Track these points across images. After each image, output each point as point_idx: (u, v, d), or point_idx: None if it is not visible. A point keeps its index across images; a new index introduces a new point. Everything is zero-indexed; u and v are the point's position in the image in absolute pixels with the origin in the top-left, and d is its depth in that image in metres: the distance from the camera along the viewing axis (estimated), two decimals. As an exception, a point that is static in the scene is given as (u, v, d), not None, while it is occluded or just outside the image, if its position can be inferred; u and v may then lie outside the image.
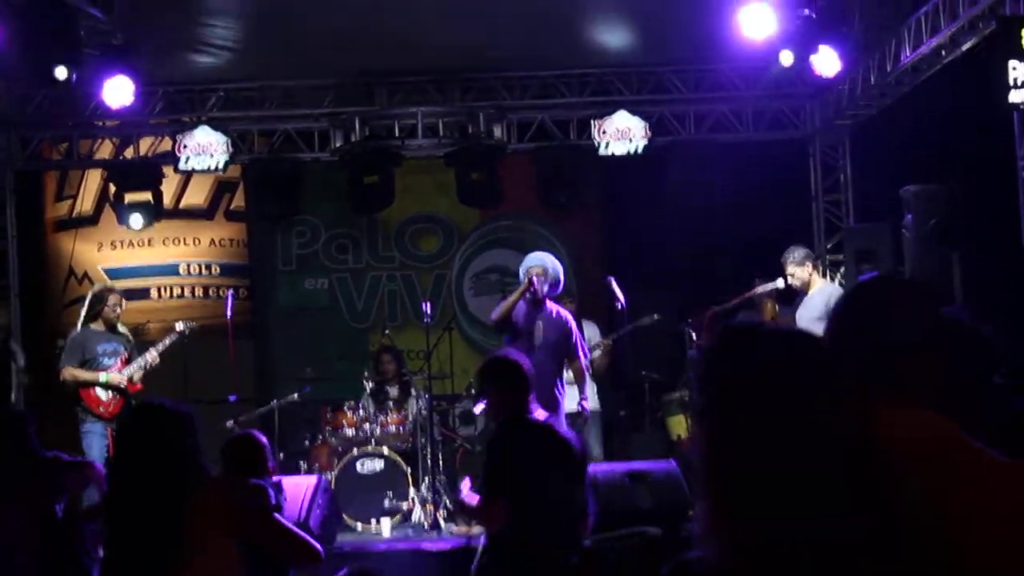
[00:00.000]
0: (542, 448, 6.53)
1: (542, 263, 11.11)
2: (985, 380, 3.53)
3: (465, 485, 6.74)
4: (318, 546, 5.48)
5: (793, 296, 11.62)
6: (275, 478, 6.57)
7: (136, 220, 14.12)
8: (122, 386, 11.55)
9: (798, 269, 11.18)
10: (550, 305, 11.08)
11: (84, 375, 11.57)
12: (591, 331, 13.05)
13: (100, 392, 11.54)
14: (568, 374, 11.46)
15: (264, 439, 6.46)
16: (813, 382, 2.43)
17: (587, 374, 11.48)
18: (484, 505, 6.44)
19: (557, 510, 6.51)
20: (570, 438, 6.69)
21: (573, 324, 11.24)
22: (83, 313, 12.02)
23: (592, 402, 12.47)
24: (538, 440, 6.54)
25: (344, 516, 11.62)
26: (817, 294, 11.15)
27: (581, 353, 11.29)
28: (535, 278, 10.89)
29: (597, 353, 12.90)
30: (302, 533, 5.44)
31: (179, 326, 12.23)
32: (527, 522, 6.26)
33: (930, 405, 2.74)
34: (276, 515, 5.40)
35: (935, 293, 3.14)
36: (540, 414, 6.72)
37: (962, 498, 2.54)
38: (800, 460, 2.34)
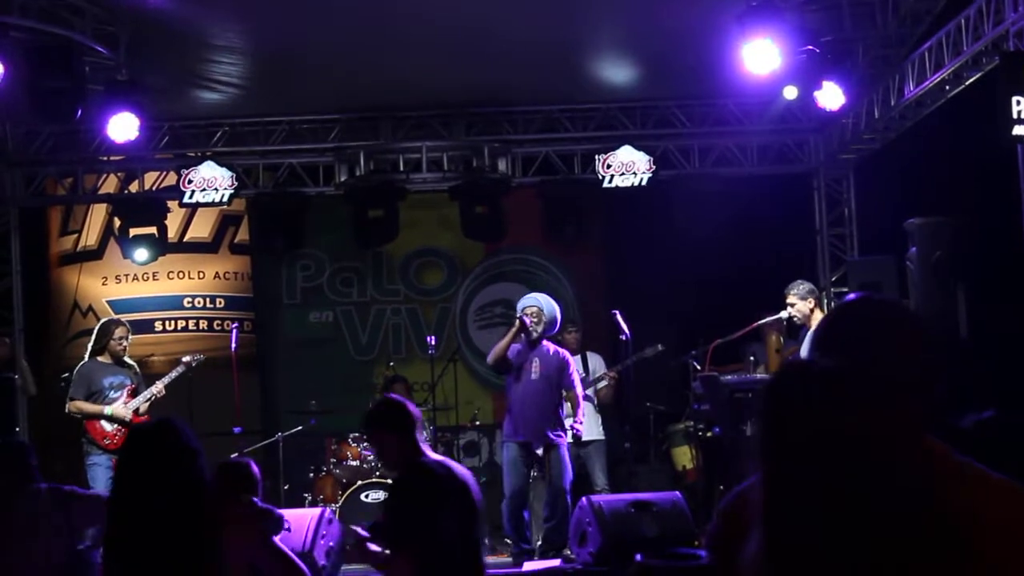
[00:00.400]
0: (444, 494, 6.46)
1: (537, 303, 11.37)
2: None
3: (361, 531, 6.61)
4: (307, 571, 5.46)
5: (797, 329, 11.62)
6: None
7: (141, 254, 14.14)
8: (127, 419, 11.56)
9: (800, 302, 11.16)
10: (546, 344, 11.32)
11: (89, 408, 11.59)
12: (596, 362, 13.12)
13: (105, 424, 11.56)
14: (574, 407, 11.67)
15: (257, 470, 6.43)
16: (881, 418, 2.44)
17: (581, 400, 11.76)
18: (390, 559, 6.33)
19: (459, 555, 6.47)
20: (466, 477, 6.64)
21: (569, 359, 11.62)
22: (90, 346, 12.04)
23: (596, 432, 12.64)
24: (439, 485, 6.47)
25: (348, 547, 11.59)
26: (819, 331, 11.11)
27: (576, 383, 11.61)
28: (526, 319, 11.15)
29: (603, 384, 12.97)
30: (299, 561, 5.42)
31: (185, 359, 12.26)
32: (431, 572, 6.17)
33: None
34: (275, 540, 5.39)
35: (919, 318, 3.07)
36: (431, 454, 6.67)
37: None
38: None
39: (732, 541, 2.74)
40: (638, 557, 4.32)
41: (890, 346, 2.76)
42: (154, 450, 4.95)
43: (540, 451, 11.26)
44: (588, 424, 12.65)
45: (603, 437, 12.84)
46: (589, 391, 12.87)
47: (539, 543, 11.45)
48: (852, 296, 3.03)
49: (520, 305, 11.48)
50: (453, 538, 6.41)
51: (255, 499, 5.75)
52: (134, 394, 11.75)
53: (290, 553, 5.31)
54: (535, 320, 11.27)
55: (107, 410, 11.57)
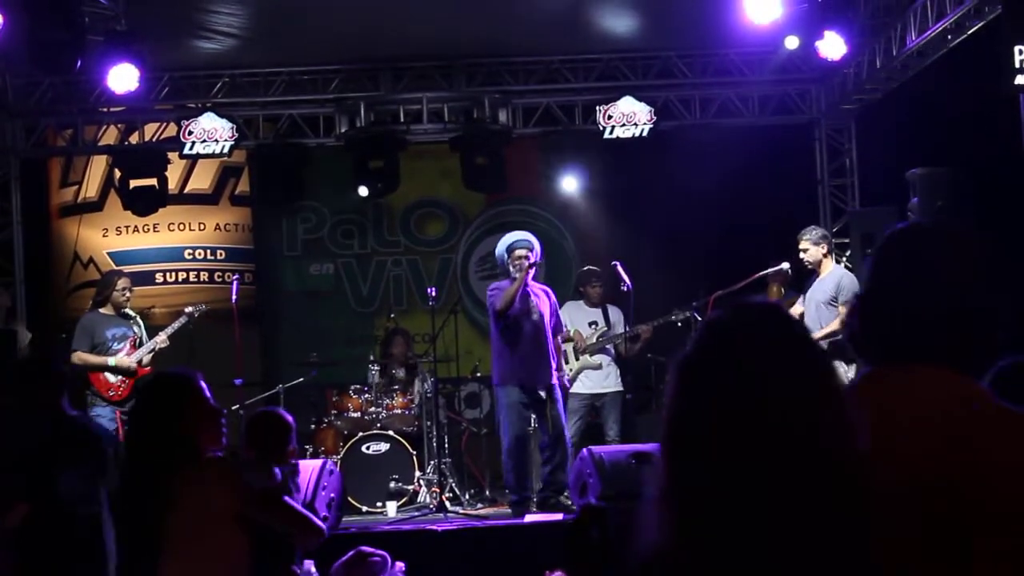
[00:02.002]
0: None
1: (530, 241, 11.30)
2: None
3: None
4: (321, 524, 5.50)
5: (799, 279, 11.63)
6: (293, 460, 6.56)
7: (141, 205, 14.13)
8: (131, 369, 11.59)
9: (813, 247, 11.19)
10: (531, 283, 11.25)
11: (93, 359, 11.61)
12: (616, 316, 13.00)
13: (109, 376, 11.59)
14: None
15: (291, 419, 6.44)
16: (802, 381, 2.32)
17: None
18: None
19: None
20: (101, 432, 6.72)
21: (555, 298, 11.66)
22: (92, 297, 12.05)
23: (615, 384, 12.82)
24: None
25: (350, 498, 11.64)
26: (829, 277, 11.17)
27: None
28: (532, 258, 11.10)
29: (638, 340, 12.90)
30: (305, 511, 5.46)
31: (188, 309, 12.28)
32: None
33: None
34: (280, 495, 5.42)
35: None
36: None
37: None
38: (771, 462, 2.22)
39: None
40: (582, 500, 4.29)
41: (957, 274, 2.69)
42: (146, 418, 5.12)
43: (543, 393, 11.25)
44: (608, 376, 12.72)
45: (621, 388, 12.85)
46: (609, 345, 12.87)
47: (539, 489, 11.47)
48: (902, 225, 2.92)
49: (510, 245, 11.35)
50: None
51: (267, 458, 5.85)
52: (137, 345, 11.77)
53: (299, 507, 5.34)
54: (533, 258, 11.27)
55: (111, 360, 11.60)
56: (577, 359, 12.75)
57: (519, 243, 11.27)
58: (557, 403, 11.21)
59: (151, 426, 5.07)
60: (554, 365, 11.34)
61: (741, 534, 2.15)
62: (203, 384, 5.17)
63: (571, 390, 12.55)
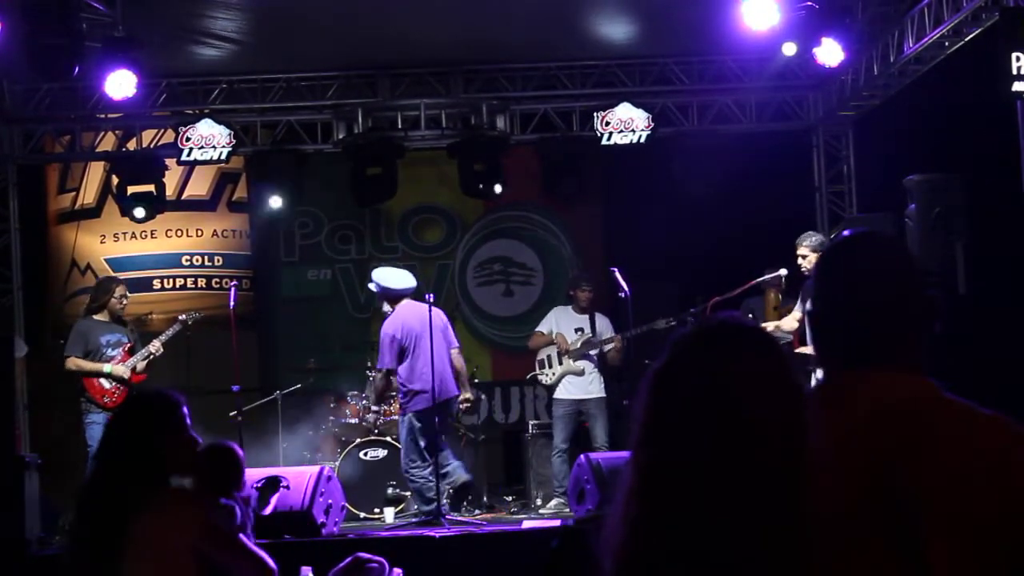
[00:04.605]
0: None
1: None
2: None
3: None
4: (272, 564, 5.43)
5: (796, 286, 11.61)
6: (244, 492, 6.50)
7: (139, 212, 14.11)
8: (125, 377, 11.56)
9: (812, 254, 11.12)
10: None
11: (88, 366, 11.58)
12: (603, 324, 13.03)
13: (104, 382, 11.56)
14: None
15: (241, 453, 6.39)
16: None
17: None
18: None
19: None
20: None
21: None
22: (87, 303, 12.02)
23: (598, 390, 12.80)
24: None
25: (347, 504, 11.63)
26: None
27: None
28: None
29: (611, 347, 12.89)
30: (259, 552, 5.38)
31: (182, 316, 12.26)
32: None
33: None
34: (237, 536, 5.35)
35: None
36: None
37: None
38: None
39: None
40: (554, 543, 4.31)
41: (893, 285, 2.73)
42: (123, 437, 5.03)
43: None
44: (591, 382, 12.72)
45: (604, 395, 12.86)
46: (593, 352, 12.87)
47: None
48: (846, 233, 2.97)
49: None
50: None
51: (222, 494, 5.83)
52: (131, 352, 11.75)
53: (254, 548, 5.26)
54: None
55: (106, 368, 11.57)
56: (560, 363, 12.79)
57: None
58: None
59: (125, 442, 4.99)
60: None
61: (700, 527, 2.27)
62: (186, 411, 5.10)
63: (555, 396, 12.69)
